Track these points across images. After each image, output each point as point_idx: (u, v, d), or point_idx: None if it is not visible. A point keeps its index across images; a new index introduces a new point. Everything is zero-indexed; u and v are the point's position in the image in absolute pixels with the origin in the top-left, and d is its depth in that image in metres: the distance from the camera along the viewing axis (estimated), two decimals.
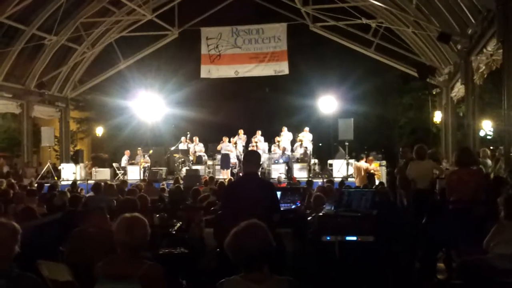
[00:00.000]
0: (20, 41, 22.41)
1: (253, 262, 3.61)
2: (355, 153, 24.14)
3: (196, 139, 24.69)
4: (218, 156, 23.51)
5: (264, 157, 22.10)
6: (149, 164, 24.31)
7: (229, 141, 23.63)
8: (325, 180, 18.39)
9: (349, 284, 6.49)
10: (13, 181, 16.41)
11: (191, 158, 23.91)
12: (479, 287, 6.10)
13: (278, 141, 23.81)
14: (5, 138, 35.24)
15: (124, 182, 17.21)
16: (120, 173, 24.23)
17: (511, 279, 5.86)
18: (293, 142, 24.24)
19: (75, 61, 26.28)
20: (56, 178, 22.99)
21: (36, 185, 17.36)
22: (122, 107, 30.90)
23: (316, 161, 24.73)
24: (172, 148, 24.88)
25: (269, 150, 24.21)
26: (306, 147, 23.43)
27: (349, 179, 20.30)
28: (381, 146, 35.29)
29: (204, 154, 24.56)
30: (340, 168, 21.96)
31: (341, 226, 6.81)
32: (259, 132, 24.51)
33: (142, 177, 21.51)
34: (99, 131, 37.79)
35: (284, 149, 23.20)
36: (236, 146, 23.69)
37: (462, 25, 17.79)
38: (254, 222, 3.72)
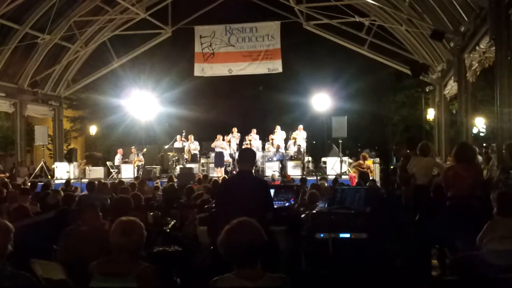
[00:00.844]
0: (13, 40, 22.32)
1: (246, 260, 3.62)
2: (348, 150, 24.18)
3: (191, 137, 24.68)
4: (212, 154, 23.51)
5: (258, 155, 22.10)
6: (142, 163, 24.28)
7: (223, 139, 23.62)
8: (318, 177, 18.43)
9: (342, 281, 6.50)
10: (6, 180, 16.37)
11: (185, 156, 23.89)
12: (472, 283, 6.12)
13: (272, 139, 23.82)
14: None
15: (121, 181, 17.18)
16: (114, 171, 24.20)
17: (504, 275, 5.88)
18: (286, 140, 24.26)
19: (68, 60, 26.20)
20: (49, 176, 22.95)
21: (29, 184, 17.31)
22: (115, 105, 30.88)
23: (310, 158, 24.76)
24: (166, 147, 24.88)
25: (263, 148, 24.23)
26: (299, 145, 23.47)
27: (343, 177, 20.35)
28: (375, 143, 35.44)
29: (198, 152, 24.55)
30: (334, 165, 22.00)
31: (334, 223, 6.82)
32: (254, 131, 24.54)
33: (135, 176, 21.49)
34: (93, 129, 37.77)
35: (278, 147, 23.23)
36: (230, 144, 23.70)
37: (455, 22, 17.84)
38: (246, 220, 3.73)
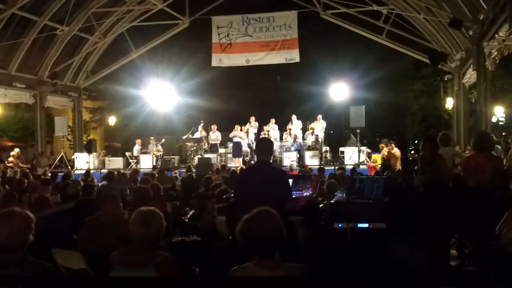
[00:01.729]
0: (32, 32, 22.50)
1: (265, 250, 3.63)
2: (366, 140, 24.10)
3: (214, 127, 24.44)
4: (230, 145, 23.53)
5: (275, 145, 22.08)
6: (161, 153, 24.38)
7: (241, 130, 23.59)
8: (336, 167, 18.40)
9: (361, 271, 6.49)
10: (27, 170, 16.53)
11: (205, 146, 23.86)
12: (491, 273, 6.09)
13: (289, 129, 23.77)
14: (19, 128, 35.59)
15: (136, 171, 17.25)
16: (132, 162, 24.33)
17: None
18: (304, 130, 24.20)
19: (87, 51, 26.37)
20: (69, 167, 23.14)
21: (50, 174, 17.46)
22: (134, 96, 31.05)
23: (328, 148, 24.69)
24: (184, 137, 24.94)
25: (281, 138, 24.20)
26: (317, 135, 23.40)
27: (361, 166, 20.29)
28: (393, 133, 35.24)
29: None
30: (352, 155, 21.95)
31: (353, 213, 6.79)
32: (272, 120, 24.44)
33: (154, 166, 21.60)
34: (112, 120, 38.01)
35: (295, 137, 23.19)
36: (247, 134, 23.68)
37: (473, 10, 17.65)
38: (265, 209, 3.73)
